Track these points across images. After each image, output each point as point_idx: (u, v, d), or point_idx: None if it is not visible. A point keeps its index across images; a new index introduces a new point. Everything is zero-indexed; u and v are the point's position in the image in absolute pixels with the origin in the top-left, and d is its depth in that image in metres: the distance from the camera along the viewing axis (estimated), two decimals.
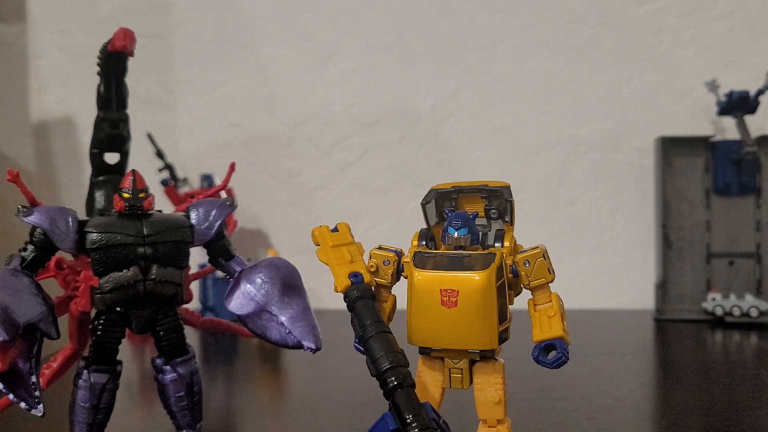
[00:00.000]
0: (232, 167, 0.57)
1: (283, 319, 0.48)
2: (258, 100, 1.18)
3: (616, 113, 1.15)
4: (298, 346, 0.47)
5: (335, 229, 0.48)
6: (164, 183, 1.05)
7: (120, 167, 0.58)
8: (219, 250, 0.52)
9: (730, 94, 1.03)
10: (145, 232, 0.48)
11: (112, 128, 0.57)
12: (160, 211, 0.51)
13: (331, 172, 1.19)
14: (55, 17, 1.19)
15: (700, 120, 1.14)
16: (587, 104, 1.16)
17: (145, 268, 0.47)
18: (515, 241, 0.47)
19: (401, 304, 0.47)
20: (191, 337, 0.94)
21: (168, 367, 0.50)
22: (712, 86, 1.07)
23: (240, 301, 0.49)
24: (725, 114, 1.05)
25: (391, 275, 0.47)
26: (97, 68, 0.56)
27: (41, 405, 0.42)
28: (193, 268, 0.54)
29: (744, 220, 1.07)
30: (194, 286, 0.81)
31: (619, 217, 1.16)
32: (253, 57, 1.18)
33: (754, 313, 0.99)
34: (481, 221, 0.48)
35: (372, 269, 0.47)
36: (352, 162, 1.18)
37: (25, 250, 0.46)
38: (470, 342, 0.44)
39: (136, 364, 0.84)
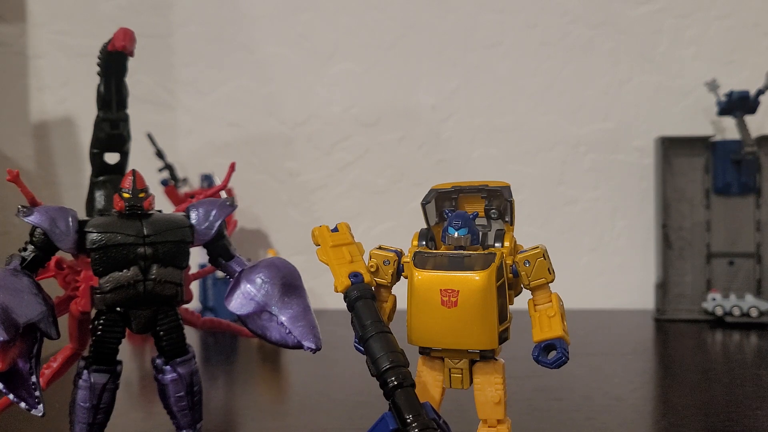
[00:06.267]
0: (232, 167, 0.57)
1: (283, 319, 0.48)
2: (258, 100, 1.18)
3: (616, 113, 1.15)
4: (298, 346, 0.47)
5: (335, 229, 0.48)
6: (164, 183, 1.05)
7: (120, 167, 0.58)
8: (219, 250, 0.52)
9: (730, 94, 1.03)
10: (145, 232, 0.48)
11: (112, 128, 0.57)
12: (160, 211, 0.51)
13: (331, 172, 1.19)
14: (55, 17, 1.19)
15: (700, 120, 1.14)
16: (587, 104, 1.16)
17: (145, 268, 0.47)
18: (515, 241, 0.47)
19: (401, 304, 0.47)
20: (191, 337, 0.94)
21: (168, 367, 0.50)
22: (712, 86, 1.07)
23: (240, 301, 0.49)
24: (725, 114, 1.05)
25: (391, 275, 0.47)
26: (97, 68, 0.56)
27: (41, 405, 0.42)
28: (193, 268, 0.54)
29: (744, 220, 1.07)
30: (194, 286, 0.81)
31: (619, 217, 1.16)
32: (253, 57, 1.18)
33: (754, 313, 0.99)
34: (481, 221, 0.48)
35: (372, 269, 0.47)
36: (352, 162, 1.18)
37: (25, 250, 0.46)
38: (470, 342, 0.44)
39: (136, 364, 0.84)
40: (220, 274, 0.86)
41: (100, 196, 0.57)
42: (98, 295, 0.47)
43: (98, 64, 0.56)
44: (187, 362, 0.50)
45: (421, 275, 0.43)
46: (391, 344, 0.41)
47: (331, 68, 1.18)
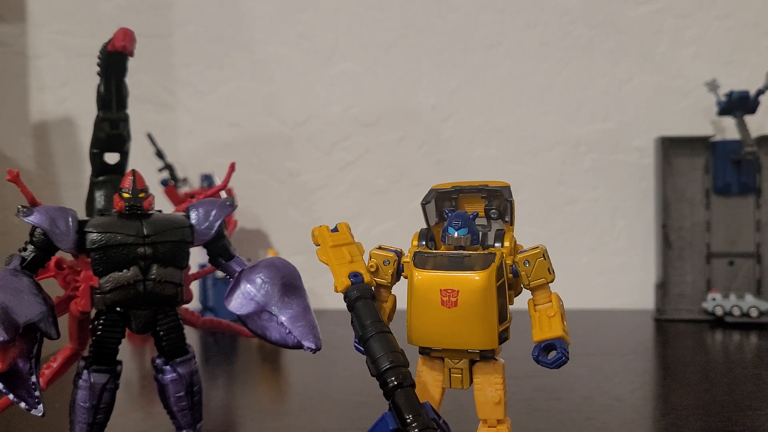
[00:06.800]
0: (232, 167, 0.57)
1: (283, 319, 0.48)
2: (258, 100, 1.18)
3: (616, 113, 1.15)
4: (298, 346, 0.47)
5: (335, 229, 0.48)
6: (164, 183, 1.05)
7: (120, 167, 0.58)
8: (219, 250, 0.52)
9: (730, 94, 1.03)
10: (145, 232, 0.48)
11: (112, 128, 0.57)
12: (160, 211, 0.51)
13: (331, 172, 1.19)
14: (55, 17, 1.19)
15: (700, 120, 1.14)
16: (587, 104, 1.16)
17: (145, 268, 0.47)
18: (515, 241, 0.47)
19: (401, 304, 0.47)
20: (191, 337, 0.94)
21: (168, 367, 0.50)
22: (712, 86, 1.07)
23: (240, 301, 0.49)
24: (725, 114, 1.05)
25: (391, 275, 0.47)
26: (97, 68, 0.56)
27: (41, 405, 0.42)
28: (193, 268, 0.54)
29: (744, 220, 1.07)
30: (194, 286, 0.81)
31: (619, 217, 1.16)
32: (253, 57, 1.18)
33: (754, 313, 0.99)
34: (481, 221, 0.48)
35: (372, 269, 0.47)
36: (352, 162, 1.18)
37: (25, 250, 0.46)
38: (470, 342, 0.44)
39: (136, 364, 0.84)
40: (220, 274, 0.86)
41: (100, 196, 0.57)
42: (98, 295, 0.47)
43: (98, 64, 0.56)
44: (187, 362, 0.50)
45: (421, 275, 0.43)
46: (391, 344, 0.41)
47: (331, 68, 1.18)
